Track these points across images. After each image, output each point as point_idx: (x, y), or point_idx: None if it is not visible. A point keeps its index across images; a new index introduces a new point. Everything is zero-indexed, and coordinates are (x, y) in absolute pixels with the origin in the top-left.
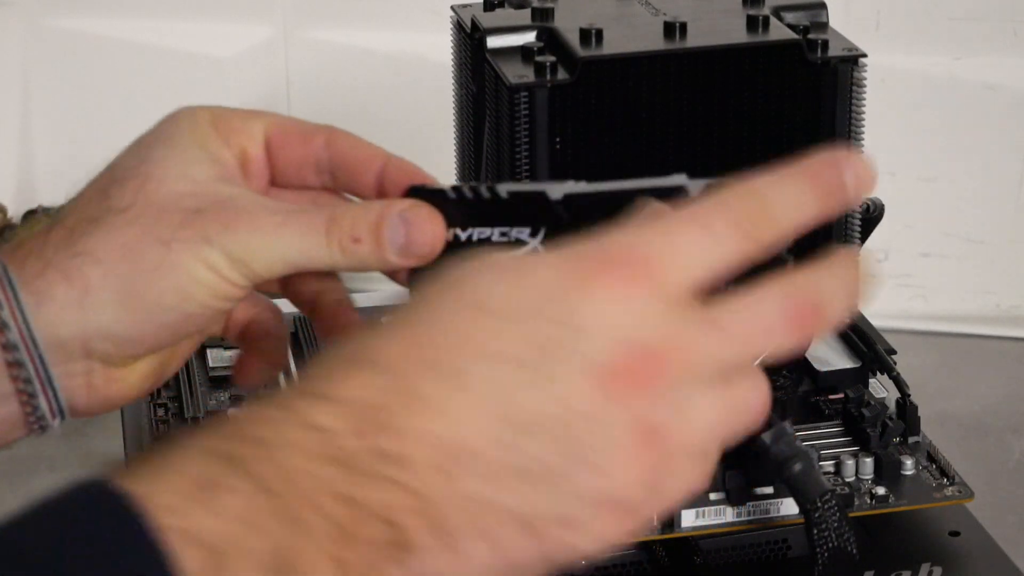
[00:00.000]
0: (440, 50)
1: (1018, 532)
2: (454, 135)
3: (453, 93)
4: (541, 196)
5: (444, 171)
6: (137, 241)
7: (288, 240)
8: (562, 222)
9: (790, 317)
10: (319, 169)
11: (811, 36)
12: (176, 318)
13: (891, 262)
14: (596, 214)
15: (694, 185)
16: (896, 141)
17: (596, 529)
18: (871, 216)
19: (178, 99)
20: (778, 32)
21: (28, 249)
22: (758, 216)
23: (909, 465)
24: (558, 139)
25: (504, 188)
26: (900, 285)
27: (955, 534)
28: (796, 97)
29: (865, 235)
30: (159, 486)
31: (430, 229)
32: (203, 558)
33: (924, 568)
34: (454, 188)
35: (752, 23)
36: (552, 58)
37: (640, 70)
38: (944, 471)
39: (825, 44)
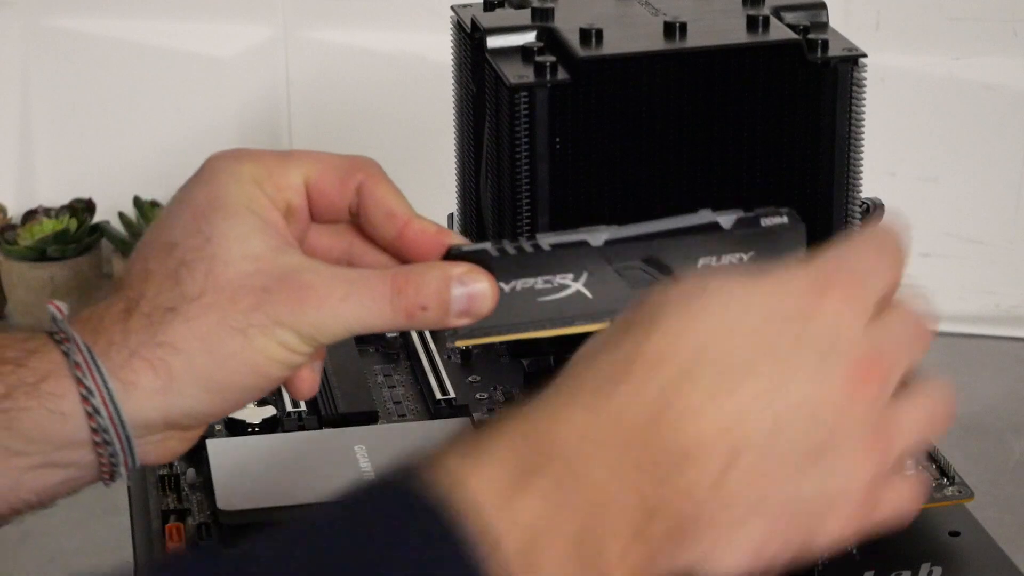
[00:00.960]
0: (440, 50)
1: (1018, 532)
2: (454, 135)
3: (453, 93)
4: (583, 244)
5: (444, 171)
6: (214, 331)
7: (354, 312)
8: (602, 265)
9: (923, 329)
10: (351, 209)
11: (811, 36)
12: (252, 392)
13: None
14: (633, 254)
15: (725, 220)
16: (896, 141)
17: (833, 522)
18: (871, 216)
19: (178, 99)
20: (778, 32)
21: (110, 338)
22: (895, 247)
23: (909, 465)
24: (558, 139)
25: (545, 241)
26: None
27: (955, 534)
28: (796, 97)
29: None
30: (472, 482)
31: (490, 292)
32: (518, 549)
33: (924, 568)
34: (496, 247)
35: (752, 23)
36: (552, 58)
37: (640, 70)
38: (944, 471)
39: (825, 44)
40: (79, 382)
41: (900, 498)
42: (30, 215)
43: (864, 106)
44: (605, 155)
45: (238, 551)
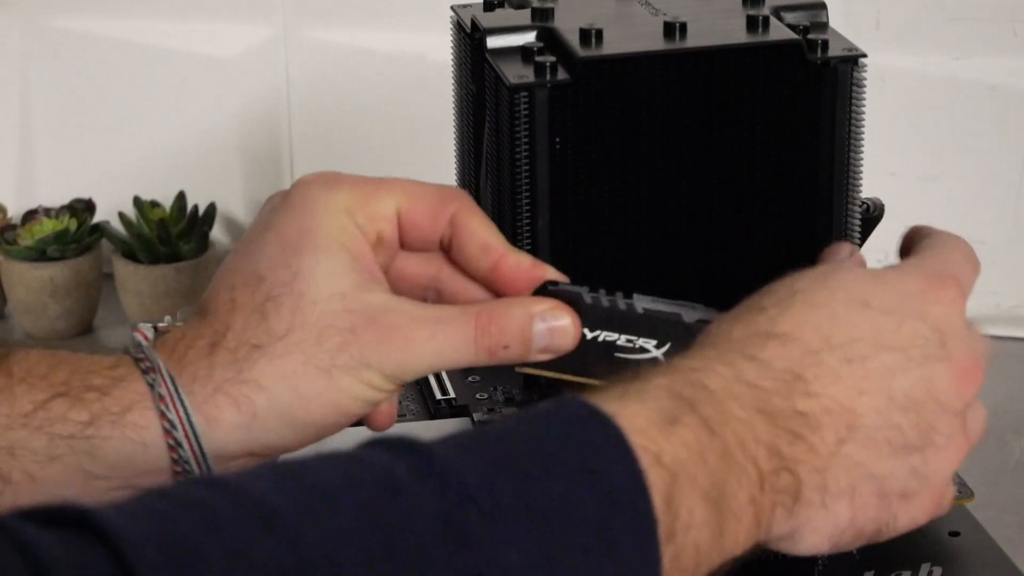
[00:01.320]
0: (440, 50)
1: (1018, 532)
2: (454, 135)
3: (453, 93)
4: (676, 317)
5: (444, 171)
6: (299, 371)
7: (439, 352)
8: (687, 340)
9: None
10: (442, 240)
11: (811, 36)
12: (332, 428)
13: (891, 262)
14: None
15: None
16: (896, 141)
17: (916, 507)
18: (871, 216)
19: (178, 99)
20: (778, 32)
21: (195, 371)
22: (975, 257)
23: None
24: (558, 139)
25: (640, 304)
26: None
27: (955, 534)
28: (796, 97)
29: (865, 235)
30: (629, 412)
31: (571, 330)
32: (663, 477)
33: (924, 568)
34: (591, 295)
35: (752, 23)
36: (552, 58)
37: (640, 70)
38: None
39: (825, 44)
40: (162, 415)
41: (952, 494)
42: (30, 215)
43: (864, 106)
44: (605, 155)
45: (427, 443)
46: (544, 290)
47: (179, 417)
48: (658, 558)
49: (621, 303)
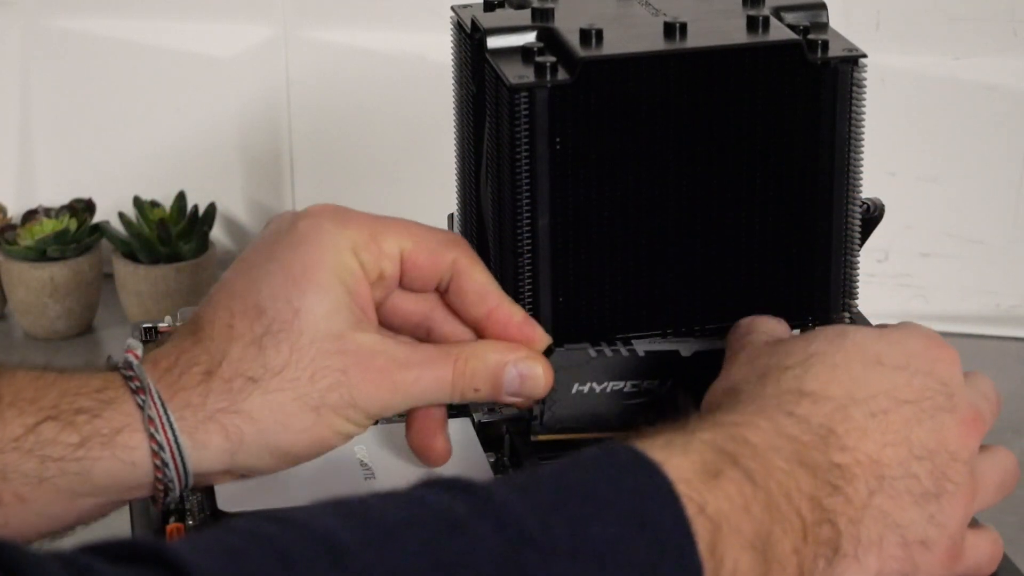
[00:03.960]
0: (440, 50)
1: (1018, 532)
2: (454, 135)
3: (453, 93)
4: (675, 353)
5: (444, 171)
6: (290, 406)
7: (420, 395)
8: (688, 374)
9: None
10: (440, 283)
11: (811, 36)
12: (309, 457)
13: (891, 262)
14: (715, 364)
15: None
16: (896, 141)
17: (935, 557)
18: (871, 216)
19: (178, 99)
20: (778, 33)
21: (188, 398)
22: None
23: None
24: (558, 139)
25: (641, 347)
26: (900, 285)
27: None
28: (796, 97)
29: (865, 235)
30: (674, 463)
31: (543, 381)
32: (707, 527)
33: None
34: (595, 348)
35: (752, 23)
36: (552, 58)
37: (640, 70)
38: None
39: (825, 44)
40: (151, 437)
41: (980, 551)
42: (30, 215)
43: (864, 106)
44: (605, 155)
45: (483, 484)
46: (549, 351)
47: (167, 440)
48: None
49: (623, 350)
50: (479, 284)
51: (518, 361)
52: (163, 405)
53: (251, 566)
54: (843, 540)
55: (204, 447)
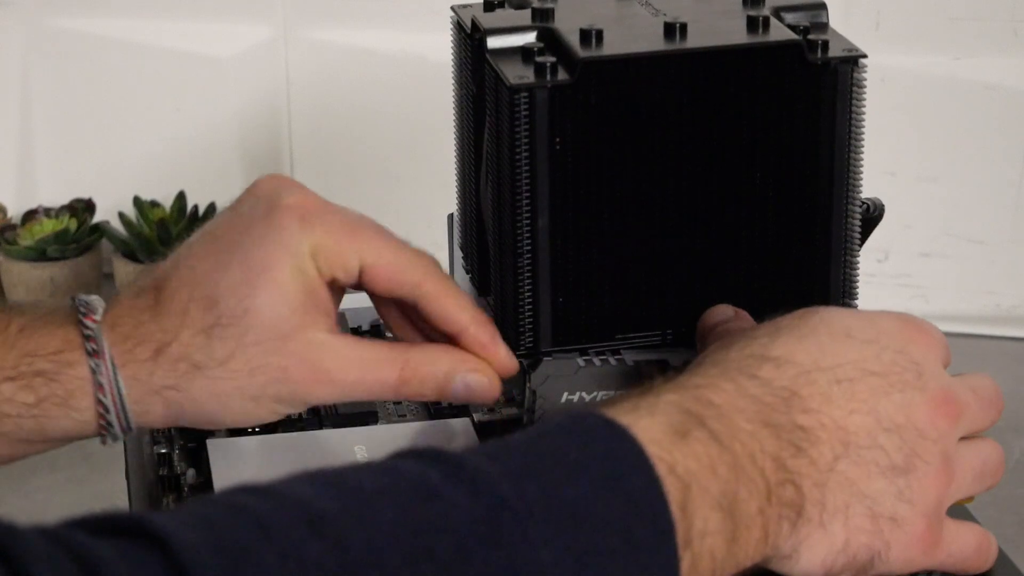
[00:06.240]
0: (440, 50)
1: (1018, 532)
2: (454, 135)
3: (453, 93)
4: (663, 363)
5: (444, 171)
6: (231, 393)
7: (362, 392)
8: None
9: (995, 399)
10: (402, 299)
11: (811, 37)
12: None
13: (891, 262)
14: None
15: None
16: (896, 141)
17: (900, 540)
18: (871, 216)
19: (178, 99)
20: (778, 33)
21: (136, 371)
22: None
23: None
24: (558, 139)
25: (629, 357)
26: (900, 285)
27: None
28: (796, 98)
29: (865, 235)
30: (642, 425)
31: (491, 390)
32: (677, 486)
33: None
34: (583, 359)
35: (752, 24)
36: (552, 59)
37: (640, 71)
38: None
39: (825, 45)
40: (99, 401)
41: (962, 544)
42: (30, 215)
43: (864, 106)
44: (605, 156)
45: (455, 452)
46: (536, 360)
47: (115, 404)
48: (676, 562)
49: (612, 360)
50: (445, 312)
51: (467, 372)
52: (115, 371)
53: (231, 535)
54: (807, 503)
55: (147, 413)
